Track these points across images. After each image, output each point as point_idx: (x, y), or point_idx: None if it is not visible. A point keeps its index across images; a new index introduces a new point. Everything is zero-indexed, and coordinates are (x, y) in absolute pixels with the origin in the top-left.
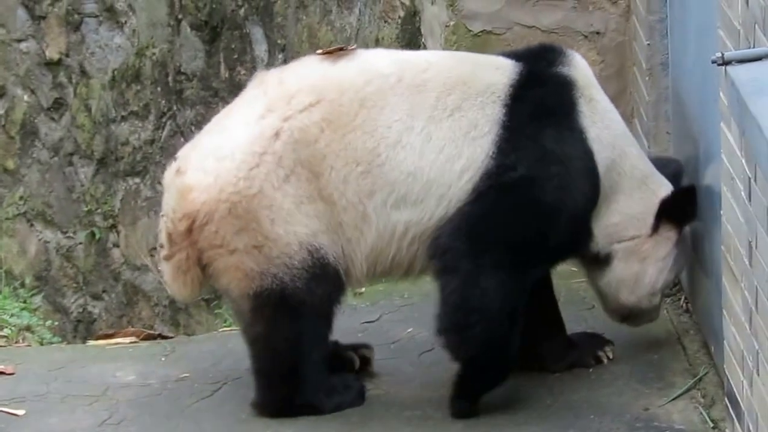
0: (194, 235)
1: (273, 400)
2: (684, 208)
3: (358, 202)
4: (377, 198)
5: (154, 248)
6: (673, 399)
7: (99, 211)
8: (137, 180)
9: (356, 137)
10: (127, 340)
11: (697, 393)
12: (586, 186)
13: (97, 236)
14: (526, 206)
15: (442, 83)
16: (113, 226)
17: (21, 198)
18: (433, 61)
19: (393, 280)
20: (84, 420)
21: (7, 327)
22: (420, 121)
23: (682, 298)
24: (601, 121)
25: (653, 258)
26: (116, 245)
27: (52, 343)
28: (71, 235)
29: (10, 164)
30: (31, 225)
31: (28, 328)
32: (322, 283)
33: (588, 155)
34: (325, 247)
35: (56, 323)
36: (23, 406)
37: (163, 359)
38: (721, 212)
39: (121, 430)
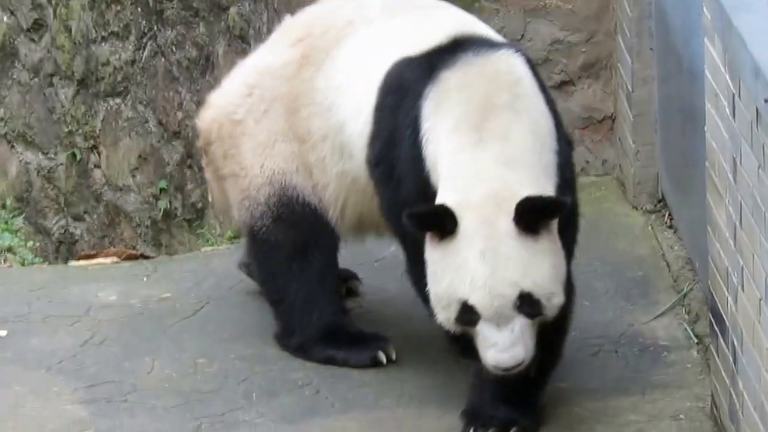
0: (208, 152)
1: (279, 332)
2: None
3: (319, 144)
4: (328, 143)
5: (136, 168)
6: (658, 316)
7: (80, 132)
8: (118, 101)
9: (320, 76)
10: (109, 260)
11: (682, 309)
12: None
13: (78, 157)
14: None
15: (393, 36)
16: (94, 147)
17: (1, 119)
18: (412, 13)
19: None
20: (66, 340)
21: None
22: (359, 69)
23: (666, 214)
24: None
25: None
26: (97, 166)
27: (33, 263)
28: (52, 156)
29: None
30: (12, 146)
31: (9, 249)
32: (295, 225)
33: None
34: (297, 188)
35: (38, 244)
36: (5, 326)
37: (144, 279)
38: (705, 129)
39: (103, 350)
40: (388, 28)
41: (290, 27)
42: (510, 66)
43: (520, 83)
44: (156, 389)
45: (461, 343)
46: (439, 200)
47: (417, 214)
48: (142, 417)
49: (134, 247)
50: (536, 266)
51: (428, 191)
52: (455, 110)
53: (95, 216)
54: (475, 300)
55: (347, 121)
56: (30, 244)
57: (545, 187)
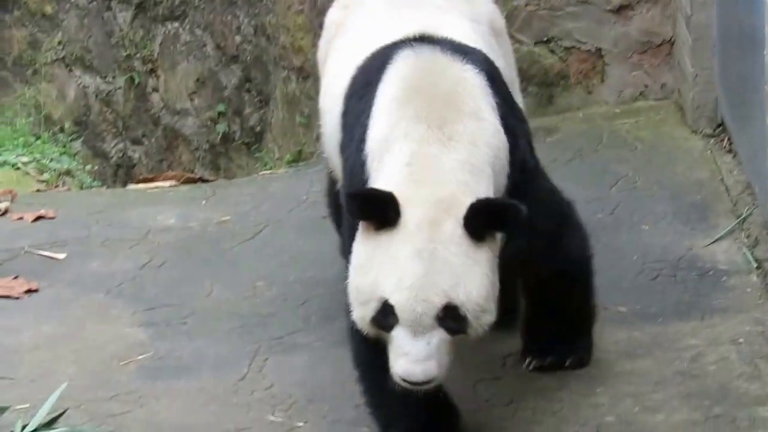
0: None
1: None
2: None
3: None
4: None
5: (194, 92)
6: (717, 240)
7: (138, 55)
8: (176, 24)
9: (335, 49)
10: (167, 184)
11: (741, 233)
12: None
13: (136, 81)
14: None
15: (368, 36)
16: (152, 71)
17: (59, 43)
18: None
19: None
20: (125, 263)
21: (47, 171)
22: (336, 73)
23: (726, 138)
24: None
25: None
26: (155, 90)
27: (92, 187)
28: (110, 80)
29: (48, 9)
30: (70, 70)
31: (68, 173)
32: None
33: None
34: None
35: (96, 168)
36: (64, 250)
37: (203, 203)
38: (765, 53)
39: (162, 273)
40: (367, 27)
41: None
42: (475, 78)
43: (483, 99)
44: (215, 312)
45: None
46: (383, 186)
47: (361, 196)
48: (201, 340)
49: (192, 171)
50: (472, 280)
51: (360, 176)
52: (417, 100)
53: (153, 140)
54: (396, 300)
55: (329, 133)
56: (88, 167)
57: (480, 193)
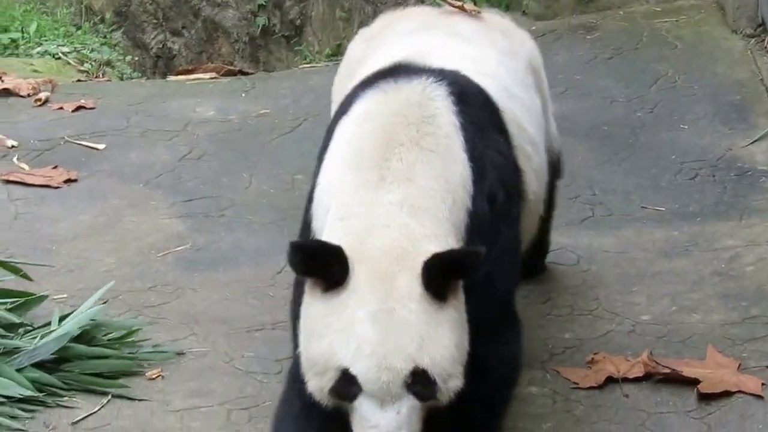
0: None
1: None
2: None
3: None
4: None
5: None
6: (756, 140)
7: None
8: None
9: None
10: (207, 75)
11: None
12: None
13: None
14: None
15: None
16: None
17: None
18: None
19: None
20: (164, 154)
21: (87, 62)
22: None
23: (766, 39)
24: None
25: None
26: None
27: (131, 78)
28: None
29: None
30: None
31: (108, 63)
32: None
33: None
34: None
35: (136, 59)
36: (103, 140)
37: (242, 95)
38: None
39: (201, 164)
40: (371, 60)
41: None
42: (425, 98)
43: (432, 120)
44: (253, 205)
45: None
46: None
47: (304, 248)
48: (240, 232)
49: (232, 63)
50: (437, 339)
51: (309, 232)
52: (355, 142)
53: (193, 31)
54: (358, 370)
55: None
56: (128, 58)
57: (452, 245)
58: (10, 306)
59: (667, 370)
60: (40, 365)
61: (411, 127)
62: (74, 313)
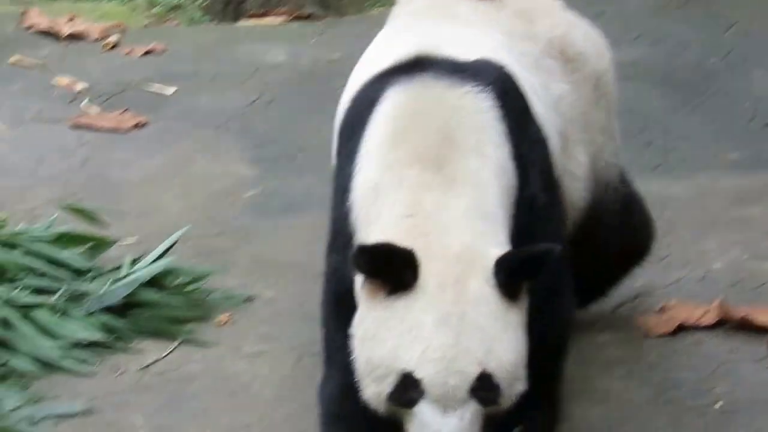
0: None
1: None
2: None
3: None
4: None
5: None
6: None
7: None
8: None
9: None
10: (278, 20)
11: None
12: None
13: None
14: None
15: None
16: None
17: None
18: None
19: None
20: (234, 100)
21: (157, 5)
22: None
23: None
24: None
25: None
26: None
27: (201, 22)
28: None
29: None
30: None
31: (178, 7)
32: None
33: None
34: None
35: (206, 2)
36: (173, 84)
37: (313, 40)
38: None
39: (272, 109)
40: (381, 45)
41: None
42: (476, 104)
43: (486, 130)
44: (324, 150)
45: None
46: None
47: (374, 251)
48: (310, 177)
49: (302, 8)
50: (505, 343)
51: (344, 230)
52: (409, 140)
53: None
54: (424, 373)
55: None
56: (198, 2)
57: (501, 243)
58: (80, 250)
59: (739, 318)
60: (109, 310)
61: (469, 135)
62: (145, 259)
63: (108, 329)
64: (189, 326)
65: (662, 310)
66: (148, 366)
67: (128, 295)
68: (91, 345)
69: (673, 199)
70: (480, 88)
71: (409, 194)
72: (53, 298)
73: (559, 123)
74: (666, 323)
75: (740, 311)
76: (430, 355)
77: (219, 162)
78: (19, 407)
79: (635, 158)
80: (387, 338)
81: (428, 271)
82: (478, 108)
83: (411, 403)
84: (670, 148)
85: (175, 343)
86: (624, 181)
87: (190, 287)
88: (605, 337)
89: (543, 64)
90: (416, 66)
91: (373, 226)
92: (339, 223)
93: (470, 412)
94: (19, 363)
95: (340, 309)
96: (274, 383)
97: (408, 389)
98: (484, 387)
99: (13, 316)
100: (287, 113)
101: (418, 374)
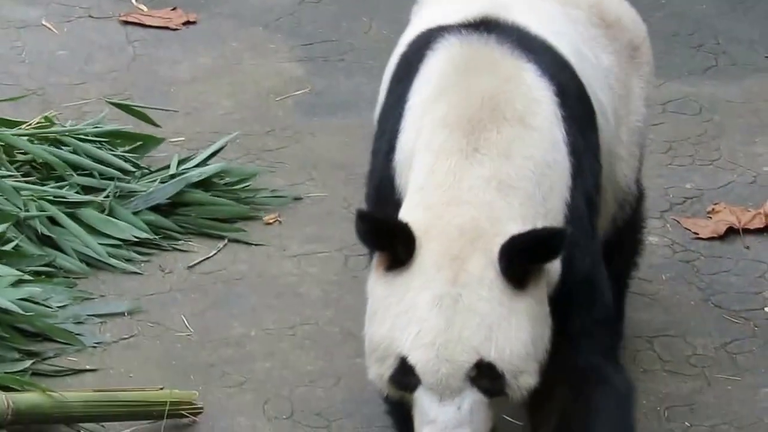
0: None
1: None
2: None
3: None
4: None
5: None
6: None
7: None
8: None
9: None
10: None
11: None
12: None
13: None
14: None
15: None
16: None
17: None
18: None
19: None
20: None
21: None
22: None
23: None
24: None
25: None
26: None
27: None
28: None
29: None
30: None
31: None
32: None
33: None
34: None
35: None
36: None
37: None
38: None
39: (321, 8)
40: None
41: None
42: (531, 79)
43: (537, 105)
44: (372, 49)
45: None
46: (402, 215)
47: (371, 219)
48: (359, 77)
49: None
50: (508, 331)
51: (390, 195)
52: (449, 100)
53: None
54: (416, 359)
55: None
56: None
57: (519, 221)
58: (128, 149)
59: None
60: (156, 209)
61: (516, 103)
62: (193, 159)
63: (155, 228)
64: (236, 226)
65: (711, 213)
66: (194, 265)
67: (176, 194)
68: (138, 244)
69: (723, 102)
70: (541, 70)
71: (431, 159)
72: (101, 197)
73: (611, 100)
74: (714, 226)
75: None
76: (422, 340)
77: (268, 60)
78: (65, 305)
79: (685, 62)
80: (386, 317)
81: (428, 248)
82: (535, 84)
83: (411, 388)
84: (720, 51)
85: (223, 243)
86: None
87: (238, 187)
88: (653, 240)
89: (590, 34)
90: (480, 25)
91: (406, 193)
92: (384, 186)
93: (469, 401)
94: (66, 261)
95: None
96: (321, 284)
97: (406, 374)
98: (484, 376)
99: (60, 214)
100: (336, 12)
101: (412, 360)
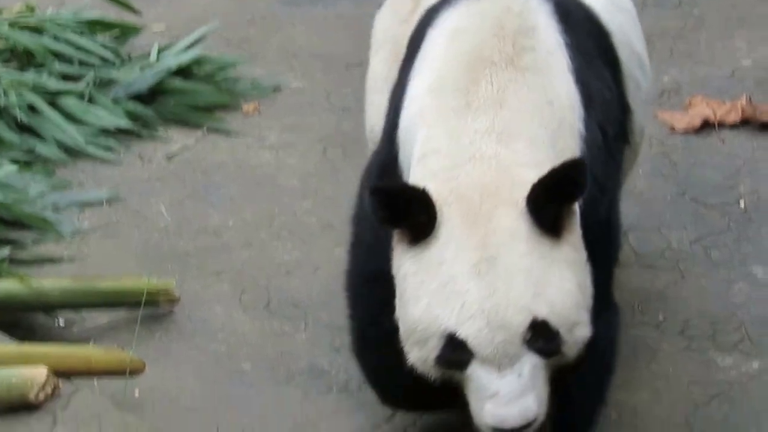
0: None
1: None
2: None
3: None
4: None
5: None
6: None
7: None
8: None
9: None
10: None
11: None
12: None
13: None
14: None
15: None
16: None
17: None
18: None
19: None
20: None
21: None
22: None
23: None
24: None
25: None
26: None
27: None
28: None
29: None
30: None
31: None
32: None
33: None
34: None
35: None
36: None
37: None
38: None
39: None
40: None
41: None
42: (524, 8)
43: (531, 33)
44: None
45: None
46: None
47: (383, 192)
48: None
49: None
50: (555, 283)
51: (394, 175)
52: (439, 64)
53: None
54: (467, 333)
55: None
56: None
57: (534, 166)
58: (108, 37)
59: (765, 118)
60: (136, 98)
61: (506, 42)
62: (173, 47)
63: (135, 117)
64: (216, 115)
65: (688, 106)
66: (174, 155)
67: (156, 83)
68: (118, 132)
69: None
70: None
71: (427, 128)
72: (80, 85)
73: (628, 53)
74: (691, 120)
75: (766, 109)
76: (468, 312)
77: None
78: (44, 193)
79: None
80: (420, 295)
81: (450, 214)
82: (524, 12)
83: (462, 365)
84: None
85: (202, 133)
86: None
87: (218, 76)
88: None
89: None
90: None
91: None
92: (387, 164)
93: (529, 366)
94: (45, 149)
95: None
96: (300, 174)
97: (455, 351)
98: (540, 336)
99: (40, 102)
100: None
101: (461, 334)
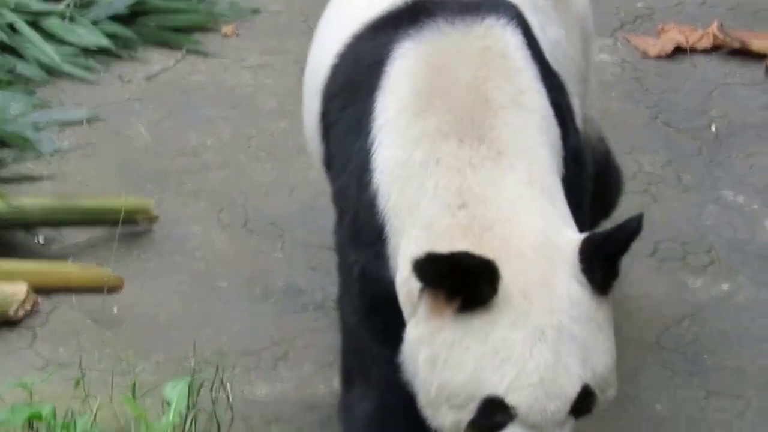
0: None
1: None
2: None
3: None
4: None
5: None
6: None
7: None
8: None
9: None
10: None
11: None
12: None
13: None
14: None
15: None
16: None
17: None
18: None
19: None
20: None
21: None
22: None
23: None
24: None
25: None
26: None
27: None
28: None
29: None
30: None
31: None
32: None
33: None
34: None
35: None
36: None
37: None
38: None
39: None
40: None
41: None
42: (504, 43)
43: (521, 73)
44: None
45: None
46: (426, 240)
47: (446, 261)
48: None
49: None
50: (599, 347)
51: (371, 221)
52: (436, 105)
53: None
54: (519, 400)
55: (308, 124)
56: None
57: (570, 221)
58: None
59: (736, 44)
60: (116, 18)
61: (504, 84)
62: None
63: (114, 37)
64: (195, 37)
65: (660, 32)
66: (153, 75)
67: (135, 3)
68: (98, 52)
69: None
70: (503, 20)
71: (451, 176)
72: (61, 5)
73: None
74: (663, 45)
75: (737, 35)
76: (526, 380)
77: None
78: (24, 113)
79: None
80: (466, 362)
81: (507, 278)
82: (507, 46)
83: (498, 427)
84: None
85: (181, 54)
86: (602, 138)
87: None
88: (604, 58)
89: (539, 3)
90: (418, 11)
91: (413, 218)
92: (363, 212)
93: (568, 430)
94: (26, 69)
95: (375, 318)
96: (277, 96)
97: (495, 414)
98: (581, 401)
99: (20, 22)
100: None
101: (511, 401)
